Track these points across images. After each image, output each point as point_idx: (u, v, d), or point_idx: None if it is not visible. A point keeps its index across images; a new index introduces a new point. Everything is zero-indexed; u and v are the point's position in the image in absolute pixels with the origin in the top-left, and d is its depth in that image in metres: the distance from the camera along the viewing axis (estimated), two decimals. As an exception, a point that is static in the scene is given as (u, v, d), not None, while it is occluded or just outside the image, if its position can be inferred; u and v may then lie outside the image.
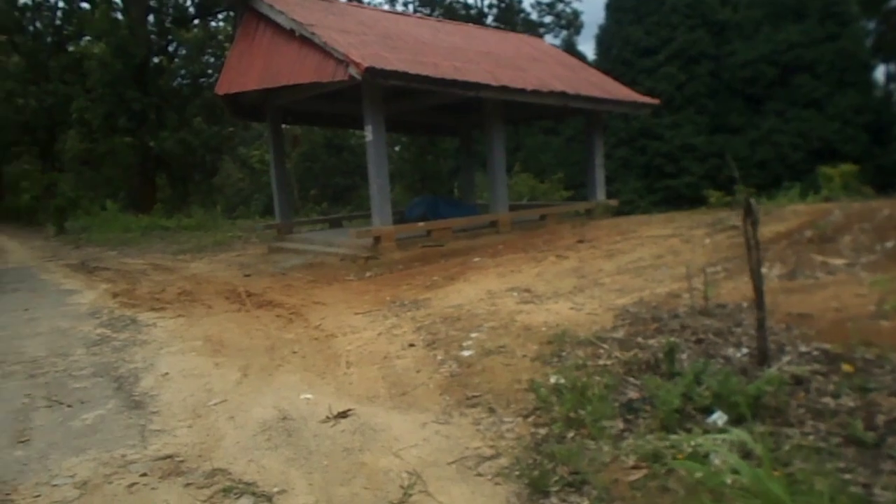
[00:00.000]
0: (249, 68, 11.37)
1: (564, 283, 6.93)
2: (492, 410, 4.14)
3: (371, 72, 9.28)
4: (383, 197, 10.56)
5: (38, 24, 31.11)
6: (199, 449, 3.91)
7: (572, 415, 3.81)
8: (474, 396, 4.39)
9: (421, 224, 11.24)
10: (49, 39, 30.51)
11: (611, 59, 21.94)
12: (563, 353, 4.83)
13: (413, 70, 9.86)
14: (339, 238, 11.79)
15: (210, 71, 25.52)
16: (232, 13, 23.04)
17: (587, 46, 65.03)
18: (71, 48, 29.87)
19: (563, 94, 11.68)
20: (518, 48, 14.11)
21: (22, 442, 4.17)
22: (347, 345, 5.85)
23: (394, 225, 10.83)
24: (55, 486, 3.57)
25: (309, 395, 4.65)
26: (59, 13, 29.91)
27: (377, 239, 10.47)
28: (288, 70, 10.77)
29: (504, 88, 10.79)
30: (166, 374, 5.34)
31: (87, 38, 27.70)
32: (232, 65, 11.92)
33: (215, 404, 4.61)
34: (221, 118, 23.67)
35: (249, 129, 27.59)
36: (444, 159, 25.79)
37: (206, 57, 25.66)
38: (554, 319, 5.62)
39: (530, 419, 3.96)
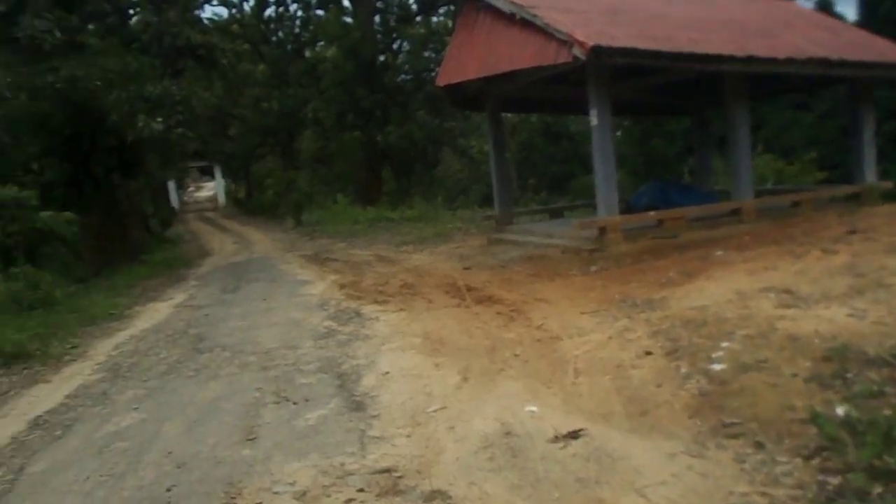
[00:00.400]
0: (469, 58, 11.18)
1: (836, 283, 5.75)
2: (759, 445, 3.36)
3: (596, 51, 8.56)
4: (609, 185, 9.80)
5: (280, 34, 34.09)
6: (418, 463, 3.57)
7: (877, 462, 2.93)
8: (733, 424, 3.62)
9: (651, 213, 10.29)
10: (289, 47, 33.34)
11: (878, 19, 18.82)
12: (849, 375, 3.87)
13: (643, 45, 8.97)
14: (561, 229, 11.23)
15: (431, 66, 26.14)
16: (452, 6, 23.44)
17: (847, 8, 57.11)
18: (308, 54, 32.41)
19: (824, 61, 10.03)
20: (766, 13, 12.44)
21: (250, 440, 4.13)
22: (574, 349, 5.28)
23: (620, 215, 10.01)
24: (276, 493, 3.43)
25: (534, 408, 4.16)
26: (297, 22, 32.44)
27: (602, 230, 9.73)
28: (507, 56, 10.39)
29: (751, 59, 9.48)
30: (387, 373, 5.14)
31: (322, 43, 29.85)
32: (452, 55, 11.83)
33: (434, 411, 4.28)
34: (442, 111, 24.12)
35: (469, 120, 27.99)
36: (671, 142, 24.15)
37: (427, 52, 26.30)
38: (828, 329, 4.60)
39: (814, 462, 3.14)
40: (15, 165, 14.43)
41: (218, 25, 29.96)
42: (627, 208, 11.87)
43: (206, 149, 40.45)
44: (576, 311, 6.51)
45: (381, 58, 27.17)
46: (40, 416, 4.94)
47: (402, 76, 27.40)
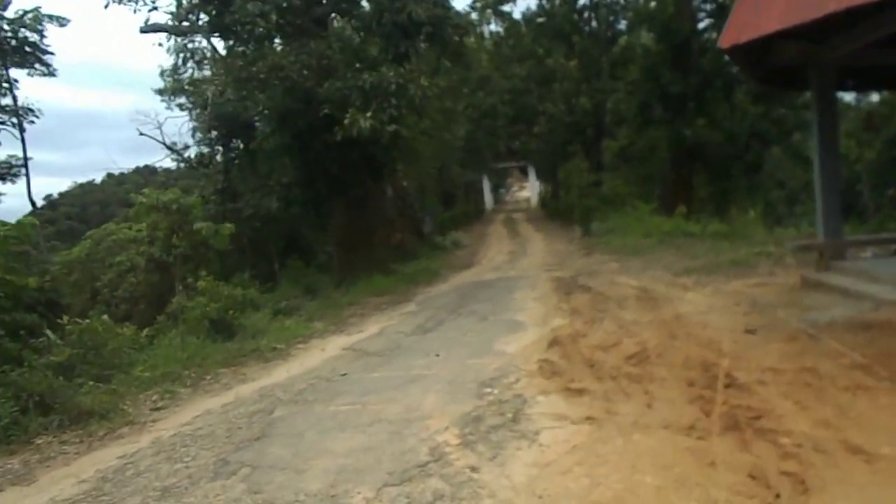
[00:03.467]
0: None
1: None
2: None
3: None
4: None
5: (594, 24, 31.41)
6: None
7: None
8: None
9: None
10: (603, 36, 30.49)
11: None
12: None
13: None
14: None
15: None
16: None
17: None
18: (621, 43, 29.21)
19: None
20: None
21: None
22: None
23: None
24: None
25: None
26: (611, 8, 29.57)
27: None
28: (845, -10, 6.29)
29: None
30: None
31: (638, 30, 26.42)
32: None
33: None
34: (772, 98, 19.15)
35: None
36: None
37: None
38: None
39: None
40: (274, 159, 13.91)
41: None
42: None
43: (517, 147, 39.69)
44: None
45: (704, 36, 22.87)
46: None
47: (727, 56, 22.76)
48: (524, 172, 59.93)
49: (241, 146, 15.38)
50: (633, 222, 19.67)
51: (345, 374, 6.15)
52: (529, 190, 54.05)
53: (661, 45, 21.21)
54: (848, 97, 23.21)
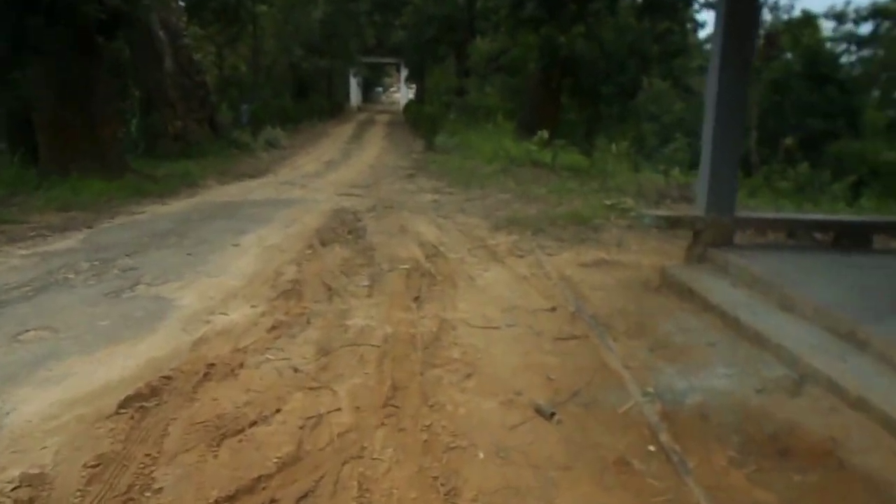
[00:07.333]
0: None
1: None
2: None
3: None
4: None
5: None
6: None
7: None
8: None
9: None
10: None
11: None
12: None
13: None
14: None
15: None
16: None
17: None
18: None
19: None
20: None
21: None
22: None
23: None
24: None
25: None
26: None
27: None
28: None
29: None
30: None
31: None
32: None
33: None
34: (660, 10, 15.85)
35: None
36: None
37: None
38: None
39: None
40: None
41: None
42: None
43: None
44: None
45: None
46: None
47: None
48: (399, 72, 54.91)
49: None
50: (482, 142, 16.31)
51: None
52: (402, 92, 49.48)
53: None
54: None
